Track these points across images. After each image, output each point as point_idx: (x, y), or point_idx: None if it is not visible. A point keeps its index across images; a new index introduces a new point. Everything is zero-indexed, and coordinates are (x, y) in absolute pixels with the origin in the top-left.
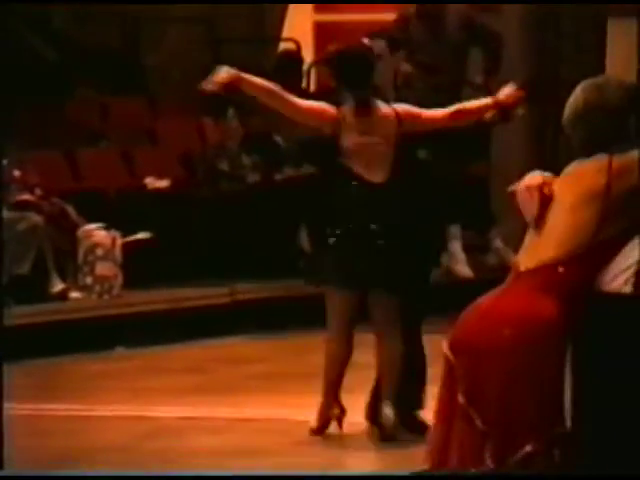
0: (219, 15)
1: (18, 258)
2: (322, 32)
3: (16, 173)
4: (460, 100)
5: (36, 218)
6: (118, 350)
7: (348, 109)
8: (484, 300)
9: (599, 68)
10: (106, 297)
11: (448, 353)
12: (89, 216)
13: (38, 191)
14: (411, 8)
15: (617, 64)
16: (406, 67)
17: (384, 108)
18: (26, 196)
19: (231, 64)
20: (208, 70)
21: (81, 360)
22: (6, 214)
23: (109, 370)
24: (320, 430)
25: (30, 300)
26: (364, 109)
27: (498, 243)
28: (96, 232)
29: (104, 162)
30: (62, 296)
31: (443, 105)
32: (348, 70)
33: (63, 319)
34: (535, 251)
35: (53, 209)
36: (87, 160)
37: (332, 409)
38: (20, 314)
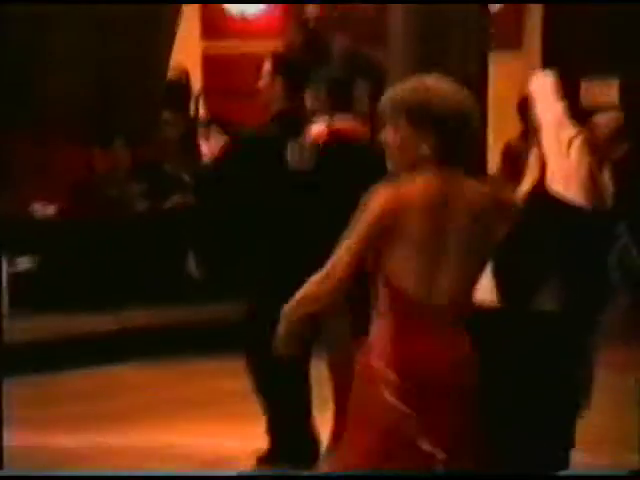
0: (107, 44)
1: None
2: (210, 61)
3: None
4: None
5: None
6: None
7: None
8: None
9: (483, 101)
10: None
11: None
12: None
13: None
14: (297, 38)
15: (499, 94)
16: None
17: None
18: None
19: (120, 93)
20: (97, 100)
21: None
22: None
23: None
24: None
25: None
26: None
27: None
28: None
29: None
30: None
31: None
32: None
33: None
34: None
35: None
36: None
37: None
38: None
